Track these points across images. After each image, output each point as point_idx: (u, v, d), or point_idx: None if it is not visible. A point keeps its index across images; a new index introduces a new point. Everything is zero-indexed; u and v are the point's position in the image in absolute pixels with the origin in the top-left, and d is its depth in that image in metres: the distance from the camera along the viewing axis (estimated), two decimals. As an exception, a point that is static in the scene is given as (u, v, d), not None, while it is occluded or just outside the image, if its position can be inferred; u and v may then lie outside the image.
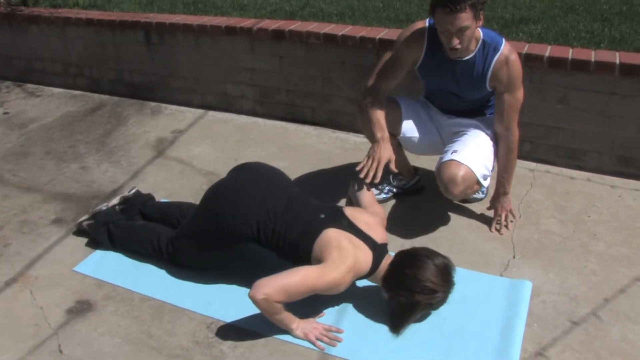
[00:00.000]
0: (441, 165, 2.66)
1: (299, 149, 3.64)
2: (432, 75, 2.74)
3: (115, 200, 2.91)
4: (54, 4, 5.11)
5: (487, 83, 2.60)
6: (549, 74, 3.14)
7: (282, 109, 4.00)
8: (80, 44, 4.54)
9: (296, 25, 3.75)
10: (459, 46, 2.42)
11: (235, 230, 2.33)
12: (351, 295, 2.41)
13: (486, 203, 2.94)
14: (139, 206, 2.85)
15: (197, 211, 2.51)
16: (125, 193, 2.94)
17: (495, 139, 2.76)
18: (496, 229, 2.80)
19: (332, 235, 2.22)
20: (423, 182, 3.12)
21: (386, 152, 2.54)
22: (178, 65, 4.24)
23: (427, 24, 2.62)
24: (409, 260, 2.22)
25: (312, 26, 3.71)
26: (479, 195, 3.03)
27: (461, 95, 2.73)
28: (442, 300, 2.22)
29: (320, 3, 4.76)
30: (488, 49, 2.53)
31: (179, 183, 3.31)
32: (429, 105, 2.93)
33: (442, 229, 2.85)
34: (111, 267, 2.63)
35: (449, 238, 2.78)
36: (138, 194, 2.94)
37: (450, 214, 2.94)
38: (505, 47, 2.54)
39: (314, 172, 3.35)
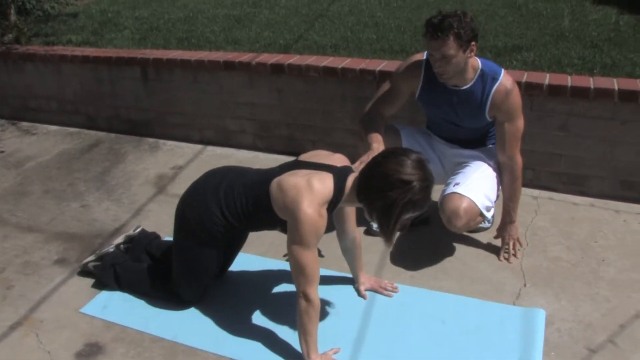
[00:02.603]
0: (443, 198, 2.68)
1: (301, 181, 3.62)
2: (431, 104, 2.78)
3: (119, 239, 2.87)
4: (47, 42, 5.11)
5: (486, 112, 2.63)
6: (549, 102, 3.18)
7: (282, 142, 4.00)
8: (76, 81, 4.54)
9: (295, 59, 3.77)
10: (442, 72, 2.48)
11: (205, 225, 2.31)
12: (367, 328, 2.38)
13: (493, 232, 2.94)
14: (145, 245, 2.81)
15: (173, 234, 2.49)
16: (130, 232, 2.90)
17: (499, 169, 2.77)
18: (505, 258, 2.80)
19: (276, 186, 2.14)
20: (428, 212, 3.11)
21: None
22: (176, 100, 4.23)
23: (425, 56, 2.66)
24: (374, 162, 2.07)
25: (311, 59, 3.73)
26: (485, 224, 3.02)
27: (461, 125, 2.76)
28: (421, 193, 1.98)
29: (313, 35, 4.79)
30: (486, 79, 2.57)
31: (182, 219, 3.27)
32: (431, 135, 2.95)
33: (450, 259, 2.84)
34: (119, 307, 2.58)
35: (458, 268, 2.76)
36: (143, 232, 2.90)
37: (457, 244, 2.93)
38: (504, 77, 2.57)
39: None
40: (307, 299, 2.07)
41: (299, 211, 2.03)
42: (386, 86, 2.77)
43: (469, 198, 2.63)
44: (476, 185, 2.69)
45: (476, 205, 2.64)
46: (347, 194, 2.14)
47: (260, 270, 2.79)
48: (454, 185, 2.69)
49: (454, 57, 2.42)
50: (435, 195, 2.82)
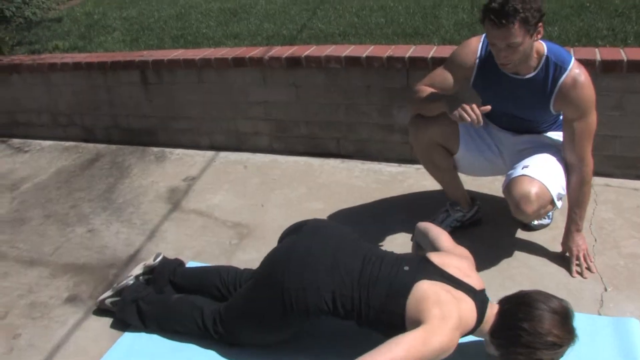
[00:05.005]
0: (511, 181, 2.35)
1: (330, 186, 3.29)
2: (486, 92, 2.46)
3: (138, 269, 2.52)
4: (32, 50, 4.77)
5: (551, 105, 2.31)
6: (602, 79, 2.86)
7: (302, 143, 3.68)
8: (68, 90, 4.18)
9: (312, 50, 3.44)
10: (507, 62, 2.17)
11: (307, 305, 1.97)
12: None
13: (552, 229, 2.66)
14: (169, 275, 2.46)
15: (254, 287, 2.13)
16: (150, 261, 2.54)
17: (566, 171, 2.44)
18: (578, 272, 2.46)
19: (427, 289, 1.88)
20: (480, 213, 2.81)
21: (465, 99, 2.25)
22: (180, 104, 3.89)
23: (482, 39, 2.36)
24: (522, 309, 1.87)
25: (330, 49, 3.41)
26: (545, 220, 2.72)
27: (521, 117, 2.46)
28: (564, 353, 1.88)
29: (318, 23, 4.50)
30: (553, 68, 2.24)
31: (204, 239, 2.93)
32: (487, 122, 2.63)
33: (514, 265, 2.52)
34: (147, 352, 2.23)
35: (526, 274, 2.45)
36: (164, 261, 2.54)
37: (516, 246, 2.63)
38: (574, 66, 2.23)
39: (354, 212, 3.01)
40: None
41: (446, 325, 1.82)
42: (439, 70, 2.47)
43: (540, 182, 2.30)
44: (547, 168, 2.37)
45: (548, 190, 2.31)
46: (481, 327, 1.94)
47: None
48: (522, 168, 2.36)
49: (521, 45, 2.10)
50: (497, 182, 2.52)
